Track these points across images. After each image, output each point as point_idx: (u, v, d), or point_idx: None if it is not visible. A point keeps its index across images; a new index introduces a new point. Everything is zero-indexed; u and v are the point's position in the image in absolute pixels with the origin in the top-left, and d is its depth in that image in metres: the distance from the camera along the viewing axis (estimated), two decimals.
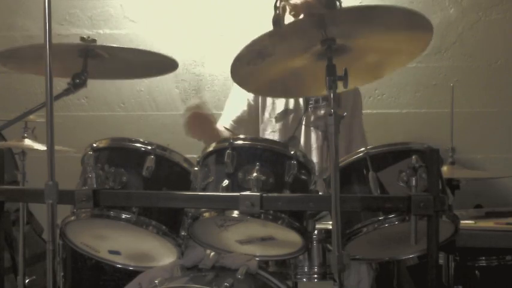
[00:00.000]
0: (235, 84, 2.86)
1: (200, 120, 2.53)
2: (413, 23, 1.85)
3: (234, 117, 2.84)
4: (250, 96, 2.83)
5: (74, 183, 2.01)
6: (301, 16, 2.66)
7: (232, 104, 2.90)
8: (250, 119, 2.84)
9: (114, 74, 2.45)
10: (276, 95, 2.61)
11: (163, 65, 2.26)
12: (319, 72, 1.84)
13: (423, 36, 1.92)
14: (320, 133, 2.77)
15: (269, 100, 2.83)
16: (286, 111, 2.79)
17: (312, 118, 2.79)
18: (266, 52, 1.90)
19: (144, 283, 2.01)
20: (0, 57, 2.18)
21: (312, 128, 2.79)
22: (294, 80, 2.13)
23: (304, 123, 2.79)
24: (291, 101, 2.80)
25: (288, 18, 2.70)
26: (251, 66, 1.96)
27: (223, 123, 2.84)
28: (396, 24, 1.85)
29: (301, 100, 2.79)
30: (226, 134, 2.78)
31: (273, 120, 2.81)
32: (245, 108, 2.84)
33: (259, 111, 2.85)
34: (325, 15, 1.82)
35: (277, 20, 2.75)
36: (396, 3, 3.55)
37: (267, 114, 2.83)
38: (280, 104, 2.81)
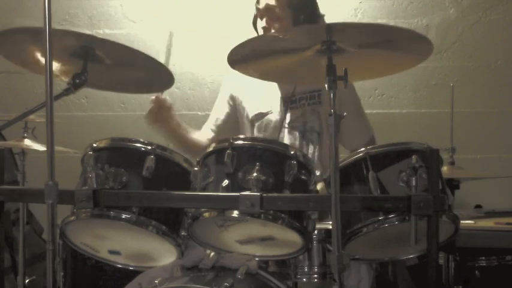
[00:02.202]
0: (221, 87, 2.90)
1: (162, 109, 2.70)
2: (417, 44, 1.88)
3: (214, 121, 2.88)
4: (230, 99, 2.85)
5: (74, 183, 2.01)
6: (264, 20, 2.65)
7: (215, 108, 2.93)
8: (229, 123, 2.86)
9: (115, 84, 2.45)
10: (275, 79, 2.59)
11: (161, 75, 2.26)
12: (318, 64, 1.85)
13: (422, 52, 1.96)
14: (298, 134, 2.74)
15: (246, 104, 2.82)
16: (261, 114, 2.78)
17: (289, 119, 2.76)
18: (262, 49, 1.90)
19: (144, 283, 2.01)
20: None
21: (291, 129, 2.76)
22: (293, 69, 2.12)
23: (283, 125, 2.76)
24: (267, 105, 2.78)
25: (259, 22, 2.70)
26: (247, 63, 1.96)
27: (208, 126, 2.88)
28: (398, 43, 1.88)
29: (279, 102, 2.77)
30: (205, 136, 2.82)
31: (248, 124, 2.80)
32: (227, 111, 2.87)
33: (237, 115, 2.85)
34: (333, 27, 1.82)
35: (254, 21, 2.75)
36: (396, 3, 3.56)
37: (244, 120, 2.82)
38: (255, 107, 2.79)
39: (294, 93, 2.74)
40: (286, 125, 2.75)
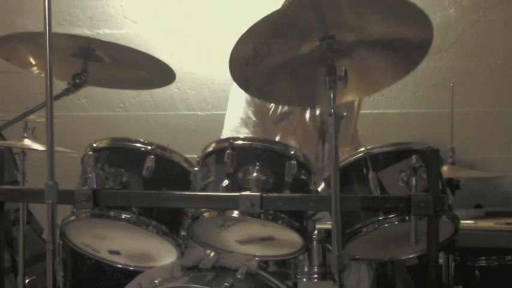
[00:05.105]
0: (231, 92, 2.87)
1: None
2: (414, 19, 1.85)
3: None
4: (250, 105, 2.79)
5: (74, 183, 2.01)
6: None
7: (235, 110, 2.82)
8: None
9: (115, 82, 2.45)
10: (277, 101, 2.59)
11: (162, 72, 2.26)
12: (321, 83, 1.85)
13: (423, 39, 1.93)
14: (316, 133, 2.77)
15: (267, 104, 2.80)
16: (285, 113, 2.78)
17: (308, 118, 2.78)
18: (262, 50, 1.89)
19: (144, 283, 2.01)
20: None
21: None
22: (296, 89, 2.12)
23: (301, 124, 2.77)
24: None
25: None
26: (250, 66, 1.96)
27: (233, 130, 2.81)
28: (396, 15, 1.85)
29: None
30: None
31: (272, 123, 2.79)
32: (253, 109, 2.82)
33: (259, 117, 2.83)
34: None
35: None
36: None
37: (266, 119, 2.81)
38: (278, 107, 2.79)
39: None
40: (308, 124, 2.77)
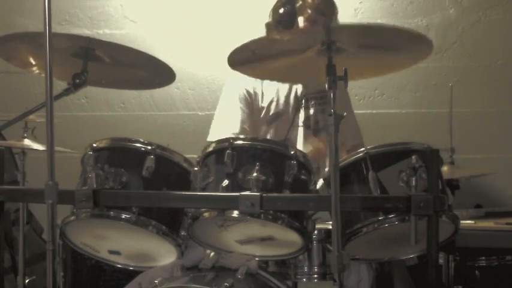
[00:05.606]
0: (223, 92, 2.86)
1: None
2: (415, 42, 1.87)
3: (236, 129, 2.73)
4: (242, 103, 2.77)
5: (74, 183, 2.01)
6: (310, 13, 2.66)
7: (227, 116, 2.78)
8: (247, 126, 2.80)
9: (115, 82, 2.45)
10: (276, 79, 2.58)
11: (162, 72, 2.26)
12: (319, 65, 1.85)
13: (422, 51, 1.95)
14: (311, 133, 2.76)
15: (263, 102, 2.80)
16: (277, 114, 2.77)
17: (302, 118, 2.78)
18: (262, 55, 1.91)
19: (144, 283, 2.01)
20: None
21: (302, 128, 2.78)
22: (294, 69, 2.13)
23: (294, 124, 2.77)
24: (281, 104, 2.78)
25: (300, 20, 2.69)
26: (246, 65, 1.97)
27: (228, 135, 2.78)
28: (398, 44, 1.88)
29: (291, 101, 2.78)
30: None
31: (265, 123, 2.78)
32: (245, 110, 2.81)
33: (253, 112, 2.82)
34: (331, 29, 1.83)
35: (288, 17, 2.71)
36: (396, 3, 3.56)
37: (259, 119, 2.80)
38: (272, 106, 2.79)
39: (306, 93, 2.77)
40: (301, 124, 2.77)
